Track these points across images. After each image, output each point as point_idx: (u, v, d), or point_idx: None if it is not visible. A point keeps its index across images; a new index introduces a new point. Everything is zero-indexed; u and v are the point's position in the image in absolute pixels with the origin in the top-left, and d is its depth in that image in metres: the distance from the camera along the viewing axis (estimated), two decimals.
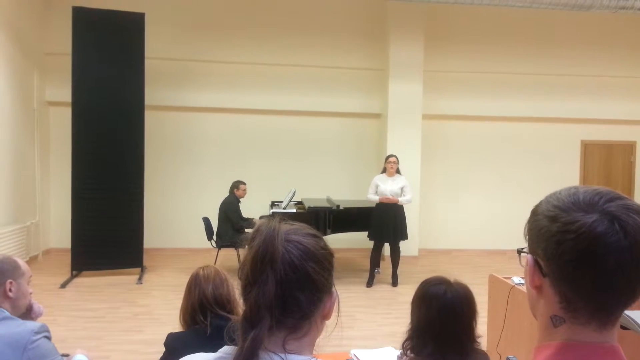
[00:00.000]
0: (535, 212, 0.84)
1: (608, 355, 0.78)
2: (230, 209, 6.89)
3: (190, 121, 8.38)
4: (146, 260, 6.99)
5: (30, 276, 2.11)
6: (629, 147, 9.13)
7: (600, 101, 8.82)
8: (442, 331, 1.82)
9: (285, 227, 0.90)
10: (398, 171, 6.57)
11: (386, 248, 6.83)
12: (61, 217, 7.64)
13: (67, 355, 2.17)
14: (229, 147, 8.48)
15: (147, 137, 6.86)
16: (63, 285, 6.23)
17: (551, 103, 8.77)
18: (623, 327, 2.41)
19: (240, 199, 7.09)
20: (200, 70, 8.24)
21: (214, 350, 0.92)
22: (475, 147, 8.85)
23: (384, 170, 6.59)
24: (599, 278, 0.74)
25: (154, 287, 6.32)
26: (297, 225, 0.92)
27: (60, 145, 7.80)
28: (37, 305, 2.16)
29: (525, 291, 0.88)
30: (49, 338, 1.92)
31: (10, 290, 1.97)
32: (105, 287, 6.26)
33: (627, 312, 2.37)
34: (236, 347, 0.85)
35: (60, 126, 7.76)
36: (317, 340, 0.94)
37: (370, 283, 6.57)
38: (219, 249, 6.97)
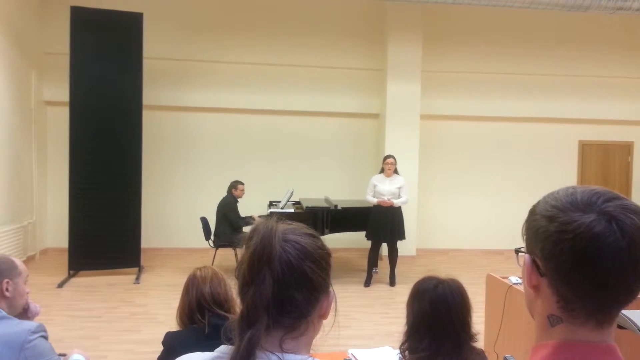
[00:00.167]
0: (532, 212, 0.84)
1: (605, 355, 0.78)
2: (228, 209, 6.88)
3: (188, 121, 8.37)
4: (144, 260, 6.98)
5: (27, 276, 2.11)
6: (627, 147, 9.15)
7: (598, 101, 8.84)
8: (435, 323, 1.84)
9: (283, 226, 0.90)
10: (396, 171, 6.57)
11: (384, 248, 6.84)
12: (58, 217, 7.62)
13: (64, 355, 2.16)
14: (227, 147, 8.48)
15: (145, 137, 6.85)
16: (60, 285, 6.22)
17: (549, 103, 8.78)
18: (620, 327, 2.41)
19: (238, 199, 7.08)
20: (199, 70, 8.23)
21: (212, 349, 0.92)
22: (473, 147, 8.86)
23: (382, 171, 6.60)
24: (596, 278, 0.74)
25: (152, 286, 6.31)
26: (295, 225, 0.92)
27: (58, 145, 7.79)
28: (34, 305, 2.15)
29: (523, 291, 0.88)
30: (45, 338, 1.92)
31: (7, 289, 1.96)
32: (102, 286, 6.25)
33: (624, 311, 2.37)
34: (233, 347, 0.85)
35: (57, 126, 7.75)
36: (315, 339, 0.94)
37: (367, 283, 6.57)
38: (217, 248, 6.96)
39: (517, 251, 0.91)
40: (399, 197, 6.44)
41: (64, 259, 6.65)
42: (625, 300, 0.77)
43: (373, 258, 6.62)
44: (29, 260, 7.15)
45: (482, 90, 8.69)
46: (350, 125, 8.72)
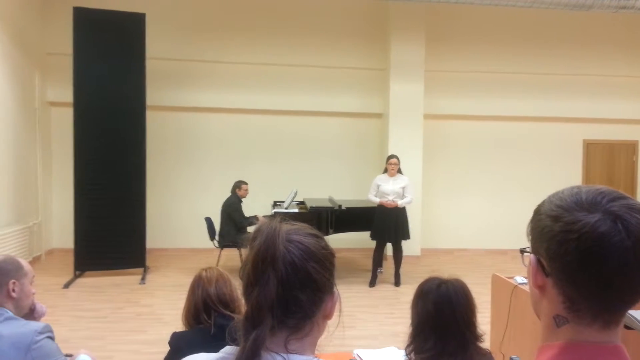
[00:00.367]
0: (537, 212, 0.84)
1: (612, 355, 0.78)
2: (232, 209, 6.88)
3: (192, 121, 8.38)
4: (149, 261, 7.00)
5: (33, 276, 2.12)
6: (632, 146, 9.11)
7: (603, 100, 8.80)
8: (440, 323, 1.84)
9: (287, 227, 0.90)
10: (399, 171, 6.57)
11: (388, 248, 6.83)
12: (64, 217, 7.66)
13: (70, 356, 2.17)
14: (231, 147, 8.49)
15: (148, 137, 6.87)
16: (66, 286, 6.24)
17: (553, 102, 8.75)
18: (626, 327, 2.40)
19: (242, 199, 7.09)
20: (202, 71, 8.25)
21: (218, 349, 0.92)
22: (477, 146, 8.84)
23: (385, 171, 6.59)
24: (602, 278, 0.74)
25: (157, 287, 6.33)
26: (298, 225, 0.92)
27: (62, 146, 7.82)
28: (40, 306, 2.16)
29: (528, 291, 0.88)
30: (52, 338, 1.93)
31: (13, 290, 1.97)
32: (108, 287, 6.27)
33: (630, 311, 2.36)
34: (238, 347, 0.85)
35: (61, 126, 7.77)
36: (319, 340, 0.94)
37: (372, 283, 6.57)
38: (222, 249, 6.97)
39: (522, 251, 0.91)
40: (403, 197, 6.43)
41: (70, 259, 6.67)
42: (631, 301, 0.77)
43: (378, 258, 6.61)
44: (34, 261, 7.18)
45: (485, 90, 8.66)
46: (353, 125, 8.72)
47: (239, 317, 0.88)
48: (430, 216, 8.57)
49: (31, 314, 2.10)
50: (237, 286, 2.12)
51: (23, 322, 1.93)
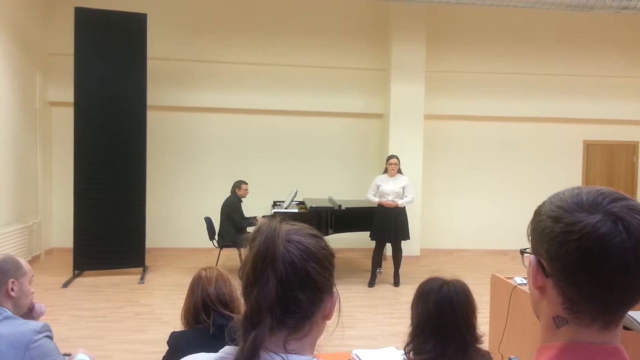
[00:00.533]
0: (538, 213, 0.84)
1: (611, 357, 0.78)
2: (232, 209, 6.88)
3: (192, 121, 8.38)
4: (148, 260, 7.00)
5: (32, 275, 2.12)
6: (632, 147, 9.11)
7: (603, 101, 8.80)
8: (441, 325, 1.83)
9: (286, 227, 0.90)
10: (400, 171, 6.57)
11: (388, 248, 6.83)
12: (63, 217, 7.66)
13: (69, 355, 2.17)
14: (231, 147, 8.49)
15: (149, 137, 6.87)
16: (65, 285, 6.24)
17: (553, 103, 8.75)
18: (626, 328, 2.40)
19: (242, 199, 7.09)
20: (203, 71, 8.25)
21: (217, 349, 0.92)
22: (477, 147, 8.84)
23: (385, 171, 6.59)
24: (602, 279, 0.74)
25: (156, 286, 6.33)
26: (298, 226, 0.92)
27: (63, 145, 7.82)
28: (39, 305, 2.16)
29: (528, 292, 0.88)
30: (51, 337, 1.93)
31: (12, 289, 1.97)
32: (107, 286, 6.26)
33: (630, 312, 2.36)
34: (237, 347, 0.85)
35: (62, 126, 7.77)
36: (318, 340, 0.94)
37: (372, 283, 6.57)
38: (221, 248, 6.97)
39: (522, 252, 0.90)
40: (403, 197, 6.43)
41: (69, 258, 6.67)
42: (631, 302, 0.77)
43: (377, 258, 6.61)
44: (34, 260, 7.18)
45: (486, 90, 8.66)
46: (354, 126, 8.72)
47: (238, 317, 0.88)
48: (430, 216, 8.57)
49: (30, 313, 2.10)
50: (236, 286, 2.12)
51: (22, 321, 1.93)
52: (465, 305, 1.87)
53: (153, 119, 7.40)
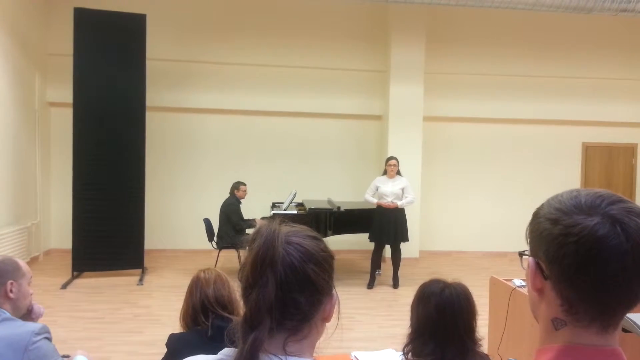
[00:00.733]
0: (536, 215, 0.84)
1: (609, 359, 0.78)
2: (230, 210, 6.88)
3: (191, 122, 8.38)
4: (147, 262, 6.99)
5: (31, 277, 2.11)
6: (630, 149, 9.12)
7: (602, 103, 8.82)
8: (441, 328, 1.83)
9: (286, 229, 0.90)
10: (399, 173, 6.57)
11: (387, 250, 6.83)
12: (62, 218, 7.65)
13: (67, 357, 2.17)
14: (230, 148, 8.49)
15: (148, 138, 6.87)
16: (64, 286, 6.23)
17: (552, 105, 8.77)
18: (624, 330, 2.40)
19: (241, 200, 7.08)
20: (202, 72, 8.25)
21: (216, 351, 0.92)
22: (476, 149, 8.85)
23: (385, 173, 6.60)
24: (600, 281, 0.74)
25: (155, 288, 6.32)
26: (298, 227, 0.92)
27: (62, 146, 7.81)
28: (38, 306, 2.16)
29: (527, 294, 0.88)
30: (49, 339, 1.92)
31: (11, 291, 1.97)
32: (106, 288, 6.26)
33: (628, 314, 2.36)
34: (236, 349, 0.85)
35: (61, 127, 7.77)
36: (318, 342, 0.93)
37: (371, 285, 6.56)
38: (220, 250, 6.96)
39: (521, 254, 0.91)
40: (402, 198, 6.44)
41: (68, 260, 6.66)
42: (629, 304, 0.77)
43: (376, 260, 6.61)
44: (32, 262, 7.17)
45: (484, 92, 8.68)
46: (353, 127, 8.72)
47: (236, 318, 0.88)
48: (429, 218, 8.58)
49: (29, 314, 2.09)
50: (235, 288, 2.12)
51: (20, 323, 1.93)
52: (466, 308, 1.86)
53: (152, 120, 7.40)
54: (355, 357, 2.78)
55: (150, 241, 7.31)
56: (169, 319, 4.65)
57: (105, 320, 5.13)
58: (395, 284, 6.59)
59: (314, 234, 0.93)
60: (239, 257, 7.09)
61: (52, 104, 8.02)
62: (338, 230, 6.62)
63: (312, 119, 8.58)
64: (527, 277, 0.86)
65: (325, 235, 6.41)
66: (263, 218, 7.07)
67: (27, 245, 7.15)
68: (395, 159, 6.58)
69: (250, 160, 8.47)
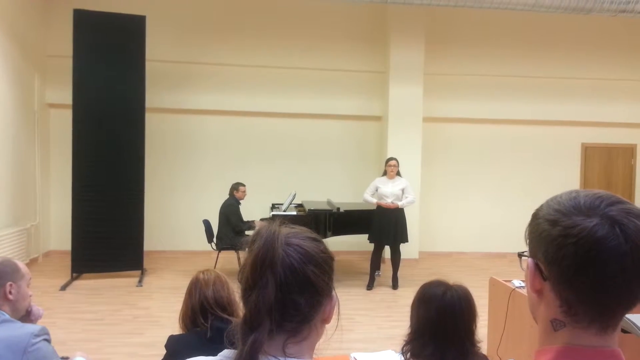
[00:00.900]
0: (536, 216, 0.84)
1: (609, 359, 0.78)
2: (230, 211, 6.87)
3: (191, 123, 8.38)
4: (146, 263, 6.99)
5: (30, 278, 2.11)
6: (630, 150, 9.12)
7: (601, 104, 8.82)
8: (441, 331, 1.82)
9: (286, 230, 0.90)
10: (398, 173, 6.57)
11: (386, 251, 6.83)
12: (61, 219, 7.64)
13: (67, 358, 2.17)
14: (230, 149, 8.49)
15: (147, 139, 6.87)
16: (63, 288, 6.23)
17: (552, 106, 8.77)
18: (623, 331, 2.40)
19: (240, 201, 7.07)
20: (201, 73, 8.25)
21: (215, 352, 0.92)
22: (475, 149, 8.85)
23: (385, 173, 6.60)
24: (599, 282, 0.74)
25: (154, 289, 6.32)
26: (297, 229, 0.92)
27: (61, 148, 7.81)
28: (37, 308, 2.16)
29: (526, 294, 0.88)
30: (48, 341, 1.92)
31: (10, 292, 1.96)
32: (105, 289, 6.25)
33: (627, 315, 2.36)
34: (236, 351, 0.85)
35: (60, 128, 7.77)
36: (317, 343, 0.93)
37: (370, 286, 6.56)
38: (219, 251, 6.96)
39: (520, 255, 0.91)
40: (402, 198, 6.44)
41: (67, 261, 6.66)
42: (628, 305, 0.77)
43: (376, 261, 6.61)
44: (32, 263, 7.16)
45: (484, 93, 8.68)
46: (352, 128, 8.72)
47: (236, 320, 0.88)
48: (429, 219, 8.58)
49: (28, 316, 2.09)
50: (235, 289, 2.12)
51: (19, 324, 1.93)
52: (467, 311, 1.86)
53: (151, 121, 7.40)
54: (354, 358, 2.78)
55: (150, 242, 7.30)
56: (169, 321, 4.64)
57: (104, 321, 5.12)
58: (395, 285, 6.59)
59: (313, 235, 0.93)
60: (239, 258, 7.09)
61: (52, 105, 8.02)
62: (338, 232, 6.62)
63: (311, 120, 8.58)
64: (526, 278, 0.86)
65: (325, 237, 6.41)
66: (262, 219, 7.08)
67: (26, 247, 7.14)
68: (395, 159, 6.58)
69: (250, 162, 8.47)
